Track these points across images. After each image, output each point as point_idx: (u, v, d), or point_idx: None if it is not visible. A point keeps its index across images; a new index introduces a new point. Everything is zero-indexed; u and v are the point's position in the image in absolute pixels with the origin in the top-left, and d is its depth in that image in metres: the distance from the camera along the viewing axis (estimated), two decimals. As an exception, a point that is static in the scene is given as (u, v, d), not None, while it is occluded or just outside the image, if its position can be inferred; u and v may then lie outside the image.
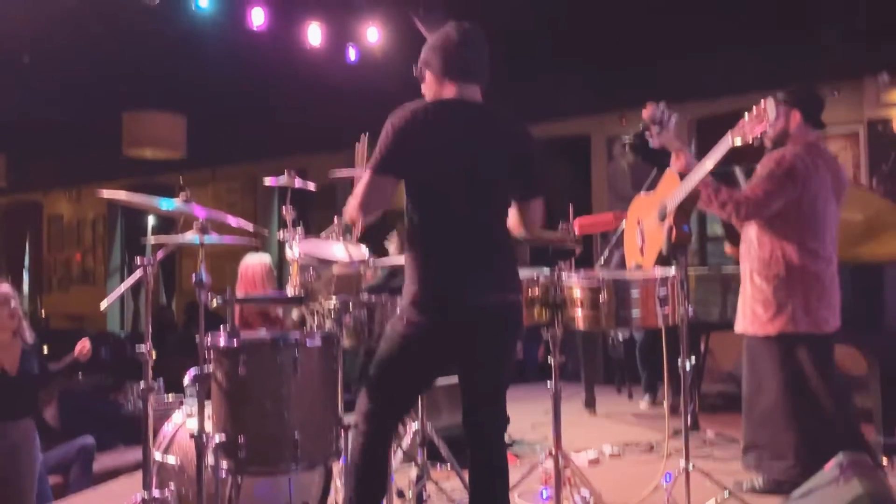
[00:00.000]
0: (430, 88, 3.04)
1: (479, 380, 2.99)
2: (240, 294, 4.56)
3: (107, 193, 3.42)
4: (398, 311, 2.96)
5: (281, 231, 3.70)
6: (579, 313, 3.65)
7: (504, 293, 2.93)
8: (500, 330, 2.93)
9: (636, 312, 3.62)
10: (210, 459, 2.93)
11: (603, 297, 3.55)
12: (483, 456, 2.97)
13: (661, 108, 4.05)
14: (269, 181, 4.04)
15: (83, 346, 4.49)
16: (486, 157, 2.92)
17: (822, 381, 3.91)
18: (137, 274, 3.22)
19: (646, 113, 4.08)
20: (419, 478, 3.81)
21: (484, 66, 3.02)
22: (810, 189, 3.92)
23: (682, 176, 3.94)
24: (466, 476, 3.07)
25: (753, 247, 4.06)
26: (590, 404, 6.48)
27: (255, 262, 5.13)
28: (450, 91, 2.97)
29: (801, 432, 3.92)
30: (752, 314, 4.01)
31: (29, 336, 4.61)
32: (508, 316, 2.95)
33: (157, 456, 3.48)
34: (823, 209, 3.97)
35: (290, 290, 3.54)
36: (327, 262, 3.46)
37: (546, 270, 3.75)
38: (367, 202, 2.91)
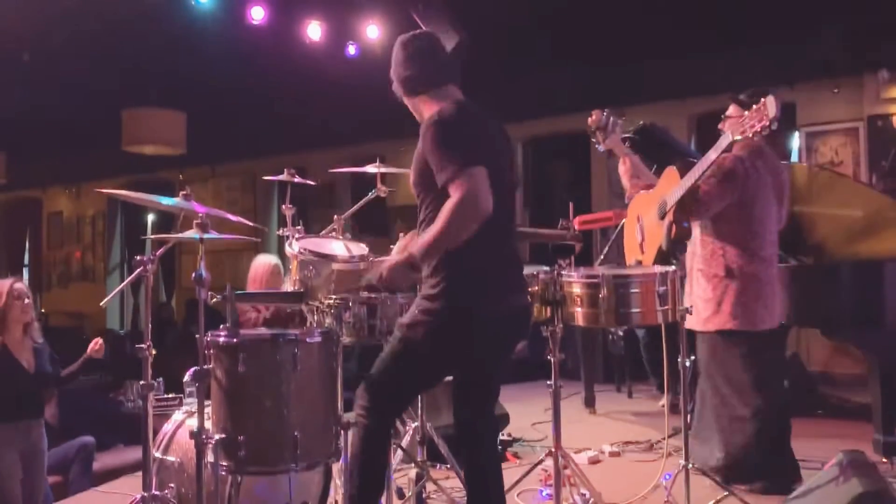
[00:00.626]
0: (420, 100, 3.02)
1: (483, 380, 3.00)
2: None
3: (107, 190, 3.42)
4: (416, 310, 2.87)
5: (281, 228, 3.70)
6: (579, 310, 3.64)
7: (526, 295, 3.02)
8: (518, 331, 2.97)
9: (636, 309, 3.61)
10: (210, 458, 2.93)
11: (602, 294, 3.54)
12: (476, 454, 2.97)
13: (605, 115, 4.21)
14: (268, 178, 4.06)
15: (96, 343, 4.51)
16: (506, 156, 2.99)
17: (750, 378, 4.01)
18: (137, 271, 3.22)
19: (591, 120, 4.22)
20: (419, 477, 3.81)
21: None
22: (749, 192, 3.99)
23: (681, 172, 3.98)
24: (466, 475, 3.08)
25: (697, 246, 4.15)
26: (589, 403, 6.47)
27: (261, 262, 5.17)
28: (454, 93, 2.98)
29: (722, 427, 4.08)
30: (696, 312, 4.05)
31: (38, 335, 4.64)
32: (528, 317, 3.04)
33: (157, 455, 3.47)
34: (763, 211, 4.05)
35: (290, 287, 3.54)
36: (327, 259, 3.45)
37: (546, 267, 3.74)
38: (486, 199, 2.69)
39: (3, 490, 4.33)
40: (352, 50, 8.00)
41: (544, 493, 4.03)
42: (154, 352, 3.22)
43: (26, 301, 4.55)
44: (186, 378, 3.21)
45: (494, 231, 2.80)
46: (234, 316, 3.05)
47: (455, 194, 2.67)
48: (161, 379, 3.33)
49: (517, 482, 3.88)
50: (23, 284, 4.63)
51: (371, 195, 4.13)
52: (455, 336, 2.81)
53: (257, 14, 7.19)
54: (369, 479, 2.96)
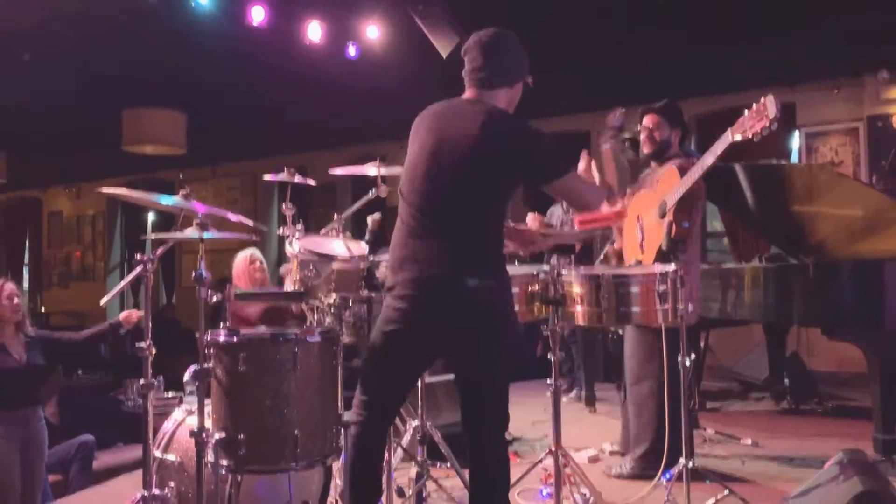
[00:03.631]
0: None
1: (460, 374, 3.00)
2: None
3: (107, 190, 3.42)
4: None
5: (281, 228, 3.70)
6: (579, 309, 3.64)
7: (458, 282, 2.86)
8: (458, 320, 2.88)
9: (636, 308, 3.61)
10: (210, 457, 2.93)
11: (603, 293, 3.54)
12: (480, 454, 2.96)
13: (621, 114, 4.48)
14: (268, 177, 4.06)
15: (130, 314, 4.56)
16: (457, 154, 2.93)
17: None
18: (137, 270, 3.22)
19: (616, 119, 4.46)
20: (419, 476, 3.81)
21: (493, 69, 3.06)
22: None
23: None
24: (466, 474, 3.07)
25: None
26: (589, 402, 6.47)
27: (238, 258, 5.24)
28: (466, 94, 3.10)
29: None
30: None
31: (31, 330, 4.76)
32: (469, 307, 2.87)
33: (157, 454, 3.48)
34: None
35: (290, 286, 3.54)
36: (327, 259, 3.45)
37: (546, 267, 3.74)
38: None
39: (2, 480, 4.36)
40: (352, 50, 7.99)
41: (544, 493, 4.03)
42: (154, 351, 3.22)
43: (16, 301, 4.70)
44: (186, 377, 3.21)
45: (417, 223, 2.95)
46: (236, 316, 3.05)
47: None
48: (161, 378, 3.33)
49: (517, 481, 3.87)
50: (13, 285, 4.76)
51: (371, 195, 4.13)
52: (396, 317, 2.91)
53: (257, 14, 7.18)
54: (358, 483, 2.96)
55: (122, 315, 4.56)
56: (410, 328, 2.89)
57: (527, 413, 6.01)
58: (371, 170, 4.08)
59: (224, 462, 2.92)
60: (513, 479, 3.40)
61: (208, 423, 2.96)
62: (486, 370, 2.95)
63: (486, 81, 3.05)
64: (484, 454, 2.97)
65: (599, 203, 3.35)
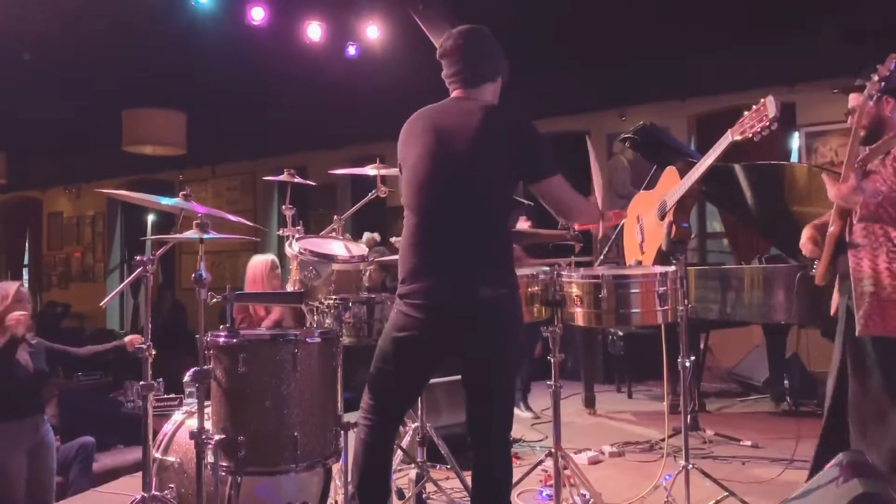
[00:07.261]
0: None
1: (467, 376, 2.98)
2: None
3: (107, 190, 3.43)
4: None
5: (281, 228, 3.70)
6: (579, 311, 3.64)
7: (472, 288, 2.87)
8: (471, 326, 2.88)
9: (636, 310, 3.61)
10: (210, 458, 2.93)
11: (602, 294, 3.54)
12: (485, 455, 2.96)
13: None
14: (268, 178, 4.07)
15: (134, 339, 4.55)
16: (459, 153, 2.91)
17: None
18: (137, 271, 3.22)
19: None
20: (419, 478, 3.81)
21: (474, 68, 3.06)
22: None
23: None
24: (466, 476, 3.07)
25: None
26: (589, 403, 6.47)
27: (258, 261, 5.24)
28: (453, 94, 3.08)
29: None
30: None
31: (31, 337, 4.72)
32: (478, 311, 2.88)
33: (157, 455, 3.48)
34: None
35: (290, 287, 3.54)
36: (327, 259, 3.45)
37: (546, 268, 3.74)
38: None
39: (10, 489, 4.35)
40: (352, 50, 7.99)
41: (544, 494, 4.03)
42: (154, 352, 3.22)
43: (27, 306, 4.63)
44: (186, 378, 3.21)
45: (429, 226, 2.93)
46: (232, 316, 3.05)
47: None
48: (161, 379, 3.33)
49: (517, 483, 3.87)
50: (26, 290, 4.71)
51: (371, 195, 4.13)
52: (406, 322, 2.90)
53: (257, 14, 7.18)
54: (367, 483, 2.96)
55: (127, 339, 4.53)
56: (425, 335, 2.88)
57: (526, 415, 6.00)
58: (371, 170, 4.08)
59: (224, 463, 2.92)
60: (513, 480, 3.40)
61: (208, 425, 2.96)
62: (496, 373, 2.95)
63: (470, 80, 3.05)
64: (488, 456, 2.97)
65: (587, 216, 3.21)
